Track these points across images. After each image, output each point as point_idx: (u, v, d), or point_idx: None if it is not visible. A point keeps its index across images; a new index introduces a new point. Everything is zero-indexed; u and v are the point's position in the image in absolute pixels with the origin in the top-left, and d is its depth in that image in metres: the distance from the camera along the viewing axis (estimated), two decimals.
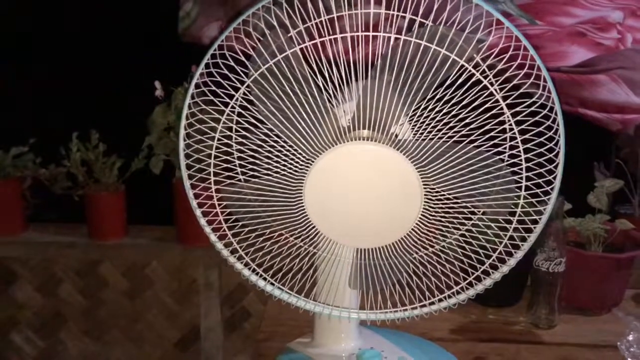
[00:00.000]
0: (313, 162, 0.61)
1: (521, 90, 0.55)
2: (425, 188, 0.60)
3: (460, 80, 0.55)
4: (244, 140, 0.63)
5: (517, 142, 0.58)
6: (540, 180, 0.61)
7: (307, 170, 0.62)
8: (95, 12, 1.39)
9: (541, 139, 0.58)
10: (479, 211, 0.65)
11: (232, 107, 0.62)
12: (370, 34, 0.55)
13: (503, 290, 1.06)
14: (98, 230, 1.37)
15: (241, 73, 0.59)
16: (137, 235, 1.41)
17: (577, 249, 1.02)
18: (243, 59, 0.59)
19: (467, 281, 0.68)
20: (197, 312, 1.45)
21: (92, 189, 1.35)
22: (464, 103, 0.57)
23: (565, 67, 1.35)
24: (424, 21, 0.55)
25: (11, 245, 1.39)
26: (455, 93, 0.56)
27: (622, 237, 1.05)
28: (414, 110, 0.60)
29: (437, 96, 0.58)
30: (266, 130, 0.63)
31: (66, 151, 1.33)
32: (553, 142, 0.59)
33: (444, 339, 0.94)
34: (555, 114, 0.59)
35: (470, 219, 0.65)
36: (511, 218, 0.63)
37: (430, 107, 0.60)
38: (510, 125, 0.58)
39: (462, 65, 0.56)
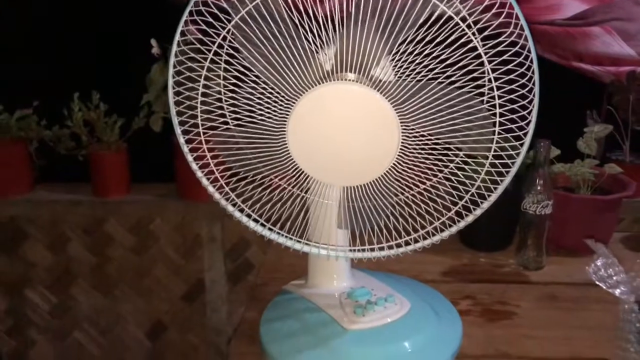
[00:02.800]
0: (295, 103, 0.63)
1: (492, 24, 0.56)
2: (402, 125, 0.62)
3: (432, 19, 0.57)
4: (227, 84, 0.65)
5: (491, 79, 0.60)
6: (514, 116, 0.63)
7: (289, 111, 0.64)
8: None
9: (513, 76, 0.60)
10: (456, 148, 0.67)
11: (218, 53, 0.64)
12: None
13: (494, 235, 1.11)
14: (102, 188, 1.42)
15: (224, 19, 0.61)
16: (140, 192, 1.45)
17: (564, 192, 1.05)
18: (225, 5, 0.61)
19: (447, 216, 0.71)
20: (201, 266, 1.50)
21: (94, 148, 1.38)
22: (438, 40, 0.59)
23: (559, 19, 1.35)
24: None
25: (20, 205, 1.45)
26: (429, 31, 0.58)
27: (611, 181, 1.07)
28: (393, 53, 0.62)
29: (414, 37, 0.60)
30: (252, 76, 0.65)
31: (68, 112, 1.36)
32: (526, 78, 0.61)
33: (436, 281, 0.98)
34: (529, 51, 0.60)
35: (448, 155, 0.67)
36: (487, 154, 0.66)
37: (409, 50, 0.62)
38: (484, 59, 0.60)
39: (437, 5, 0.57)
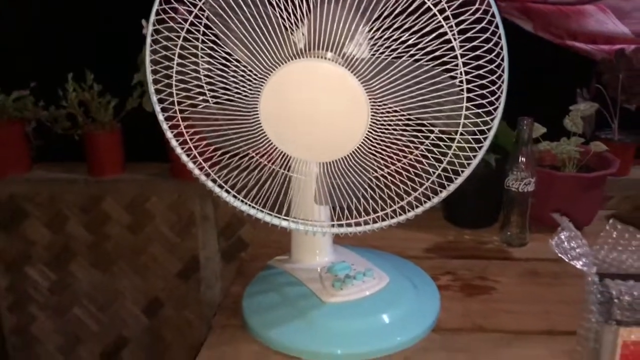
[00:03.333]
0: (266, 80, 0.65)
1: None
2: (371, 101, 0.63)
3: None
4: (202, 62, 0.66)
5: (458, 55, 0.61)
6: (485, 91, 0.64)
7: (261, 88, 0.65)
8: None
9: (481, 52, 0.61)
10: (430, 124, 0.68)
11: (191, 31, 0.66)
12: None
13: (479, 212, 1.12)
14: (97, 168, 1.44)
15: None
16: (135, 171, 1.47)
17: (547, 170, 1.06)
18: None
19: (418, 192, 0.72)
20: (195, 244, 1.52)
21: (89, 129, 1.40)
22: (407, 12, 0.59)
23: None
24: None
25: (19, 184, 1.48)
26: (398, 3, 0.58)
27: (596, 159, 1.07)
28: (364, 30, 0.63)
29: (382, 11, 0.61)
30: (223, 53, 0.66)
31: (63, 92, 1.38)
32: (494, 54, 0.62)
33: (418, 257, 0.99)
34: (497, 26, 0.61)
35: (423, 132, 0.68)
36: (459, 129, 0.67)
37: (378, 27, 0.63)
38: (454, 35, 0.60)
39: None
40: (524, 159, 0.97)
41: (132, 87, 1.36)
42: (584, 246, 0.59)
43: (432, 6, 0.58)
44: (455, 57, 0.62)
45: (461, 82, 0.62)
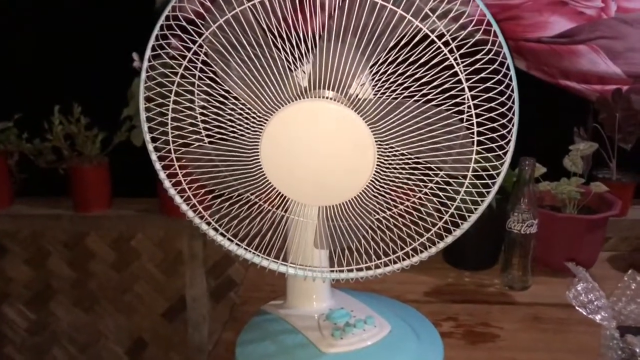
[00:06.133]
0: (268, 120, 0.62)
1: (470, 42, 0.55)
2: (377, 144, 0.60)
3: (409, 39, 0.56)
4: (198, 99, 0.63)
5: (469, 97, 0.59)
6: (495, 135, 0.61)
7: (262, 128, 0.62)
8: None
9: (492, 94, 0.59)
10: (437, 168, 0.65)
11: (189, 68, 0.63)
12: None
13: (479, 254, 1.09)
14: (83, 203, 1.39)
15: (193, 32, 0.60)
16: (122, 207, 1.43)
17: (549, 212, 1.03)
18: (195, 18, 0.59)
19: (425, 237, 0.69)
20: (183, 283, 1.47)
21: (75, 162, 1.36)
22: (414, 59, 0.57)
23: (545, 37, 1.35)
24: None
25: None
26: (402, 51, 0.56)
27: (597, 200, 1.06)
28: (371, 72, 0.61)
29: (392, 57, 0.59)
30: (221, 91, 0.63)
31: (49, 125, 1.34)
32: (506, 97, 0.60)
33: (419, 301, 0.96)
34: (508, 68, 0.59)
35: (429, 175, 0.66)
36: (467, 174, 0.64)
37: (385, 70, 0.60)
38: (461, 77, 0.58)
39: (417, 26, 0.56)
40: (526, 200, 0.95)
41: (120, 121, 1.32)
42: (602, 298, 0.56)
43: (442, 46, 0.56)
44: (465, 98, 0.59)
45: (472, 124, 0.60)
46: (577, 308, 0.56)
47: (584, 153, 1.06)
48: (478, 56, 0.57)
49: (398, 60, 0.57)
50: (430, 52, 0.57)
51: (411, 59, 0.57)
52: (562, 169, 1.07)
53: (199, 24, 0.59)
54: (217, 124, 0.64)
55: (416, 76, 0.57)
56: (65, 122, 1.33)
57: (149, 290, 1.50)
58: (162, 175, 0.70)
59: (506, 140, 0.62)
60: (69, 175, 1.38)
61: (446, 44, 0.57)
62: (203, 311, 1.47)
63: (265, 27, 0.59)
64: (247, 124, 0.64)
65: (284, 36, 0.61)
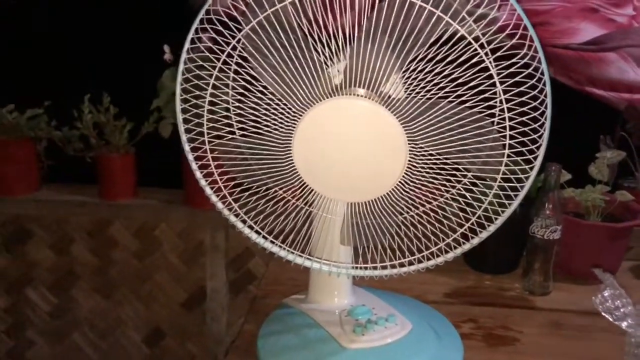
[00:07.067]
0: (302, 116, 0.62)
1: (506, 45, 0.55)
2: (410, 143, 0.61)
3: (444, 38, 0.56)
4: (234, 93, 0.64)
5: (503, 100, 0.59)
6: (525, 139, 0.62)
7: (296, 124, 0.63)
8: None
9: (525, 98, 0.59)
10: (465, 169, 0.66)
11: (227, 62, 0.64)
12: None
13: (501, 258, 1.09)
14: (108, 191, 1.41)
15: (234, 28, 0.61)
16: (146, 196, 1.45)
17: (574, 218, 1.03)
18: (236, 14, 0.61)
19: (452, 238, 0.70)
20: (203, 274, 1.49)
21: (103, 151, 1.38)
22: (449, 59, 0.58)
23: (574, 44, 1.34)
24: None
25: (26, 203, 1.45)
26: (441, 49, 0.57)
27: (622, 209, 1.05)
28: (404, 70, 0.62)
29: (426, 55, 0.59)
30: (260, 87, 0.65)
31: (78, 114, 1.36)
32: (538, 101, 0.60)
33: (439, 302, 0.96)
34: (542, 73, 0.59)
35: (456, 176, 0.66)
36: (496, 176, 0.64)
37: (420, 68, 0.61)
38: (496, 79, 0.59)
39: (450, 24, 0.56)
40: (550, 206, 0.95)
41: (148, 112, 1.34)
42: (628, 305, 0.56)
43: (478, 48, 0.56)
44: (497, 102, 0.60)
45: (503, 127, 0.60)
46: (603, 314, 0.57)
47: (611, 161, 1.06)
48: (513, 60, 0.57)
49: (435, 59, 0.58)
50: (467, 53, 0.57)
51: (448, 59, 0.57)
52: (586, 176, 1.07)
53: (239, 20, 0.60)
54: (253, 118, 0.65)
55: (452, 76, 0.57)
56: (94, 111, 1.35)
57: (169, 280, 1.51)
58: (194, 166, 0.71)
59: (537, 145, 0.63)
60: (96, 164, 1.41)
61: (482, 46, 0.58)
62: (222, 303, 1.49)
63: (296, 25, 0.60)
64: (281, 119, 0.65)
65: (316, 37, 0.62)
